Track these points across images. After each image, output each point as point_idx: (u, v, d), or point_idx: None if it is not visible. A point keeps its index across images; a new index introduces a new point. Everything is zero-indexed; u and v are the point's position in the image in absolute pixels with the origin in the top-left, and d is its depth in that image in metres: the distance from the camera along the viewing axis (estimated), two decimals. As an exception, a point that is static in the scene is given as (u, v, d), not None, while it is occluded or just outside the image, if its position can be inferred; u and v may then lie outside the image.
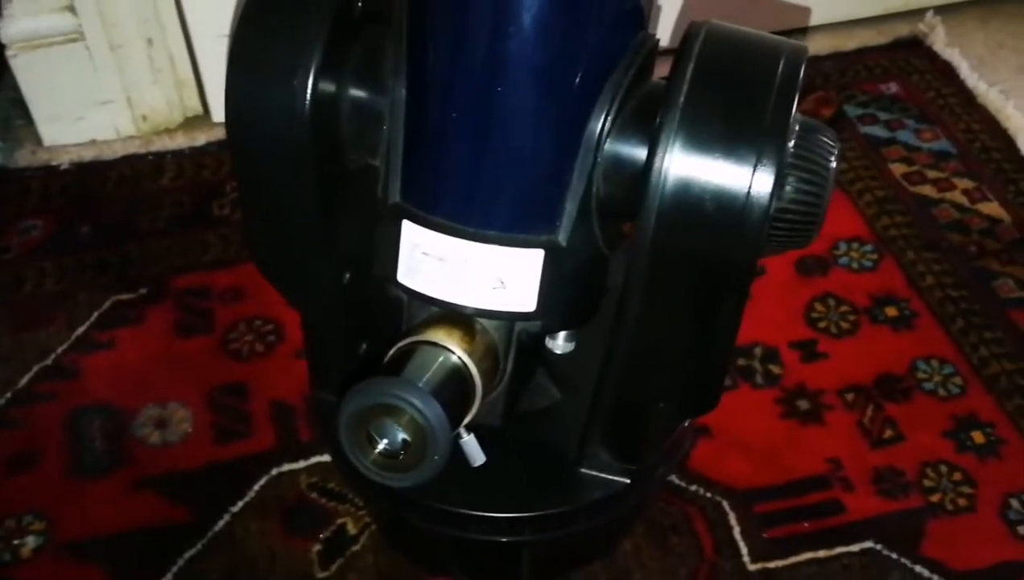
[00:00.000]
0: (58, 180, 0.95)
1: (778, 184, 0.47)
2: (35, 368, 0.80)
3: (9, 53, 0.92)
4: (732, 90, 0.48)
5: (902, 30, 1.10)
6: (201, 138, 0.99)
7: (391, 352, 0.50)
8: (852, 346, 0.81)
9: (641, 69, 0.51)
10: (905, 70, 1.05)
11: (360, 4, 0.53)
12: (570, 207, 0.50)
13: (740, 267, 0.48)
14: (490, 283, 0.51)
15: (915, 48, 1.08)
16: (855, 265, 0.87)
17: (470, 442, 0.52)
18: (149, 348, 0.81)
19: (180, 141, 0.99)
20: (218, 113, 1.00)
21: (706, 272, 0.49)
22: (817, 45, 1.09)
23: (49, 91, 0.95)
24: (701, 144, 0.46)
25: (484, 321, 0.52)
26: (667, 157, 0.46)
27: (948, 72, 1.05)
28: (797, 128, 0.49)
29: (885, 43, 1.09)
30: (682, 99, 0.47)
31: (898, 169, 0.95)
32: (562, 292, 0.52)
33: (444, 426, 0.45)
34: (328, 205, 0.54)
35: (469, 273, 0.50)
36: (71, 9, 0.91)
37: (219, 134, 0.99)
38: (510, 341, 0.53)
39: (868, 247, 0.88)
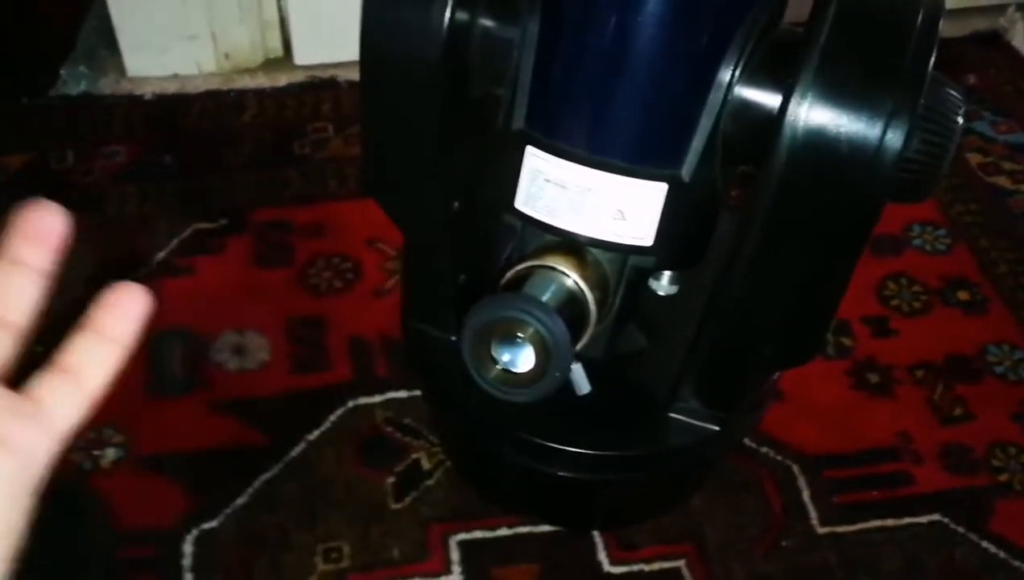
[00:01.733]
0: (141, 109, 0.96)
1: (909, 136, 0.47)
2: (116, 288, 0.81)
3: (102, -20, 0.94)
4: (872, 39, 0.48)
5: (981, 23, 1.11)
6: (282, 79, 1.00)
7: (508, 274, 0.51)
8: (923, 325, 0.81)
9: (773, 15, 0.51)
10: (983, 63, 1.06)
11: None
12: (696, 145, 0.51)
13: (865, 213, 0.49)
14: (610, 214, 0.51)
15: (994, 42, 1.08)
16: (928, 248, 0.87)
17: (578, 370, 0.53)
18: (228, 276, 0.82)
19: (261, 81, 1.00)
20: (300, 56, 1.01)
21: (828, 217, 0.49)
22: (894, 34, 1.09)
23: (138, 21, 0.96)
24: (838, 90, 0.47)
25: (598, 252, 0.53)
26: (803, 101, 0.47)
27: (1025, 68, 1.05)
28: (928, 82, 0.50)
29: (963, 36, 1.09)
30: (821, 44, 0.47)
31: (974, 159, 0.95)
32: (678, 229, 0.52)
33: (566, 341, 0.46)
34: (448, 132, 0.55)
35: (590, 202, 0.51)
36: (165, -60, 0.92)
37: (300, 77, 1.00)
38: (621, 275, 0.54)
39: (942, 231, 0.88)
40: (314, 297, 0.81)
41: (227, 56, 1.00)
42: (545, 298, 0.48)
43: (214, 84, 0.99)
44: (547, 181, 0.52)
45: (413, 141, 0.55)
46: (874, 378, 0.78)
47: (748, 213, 0.50)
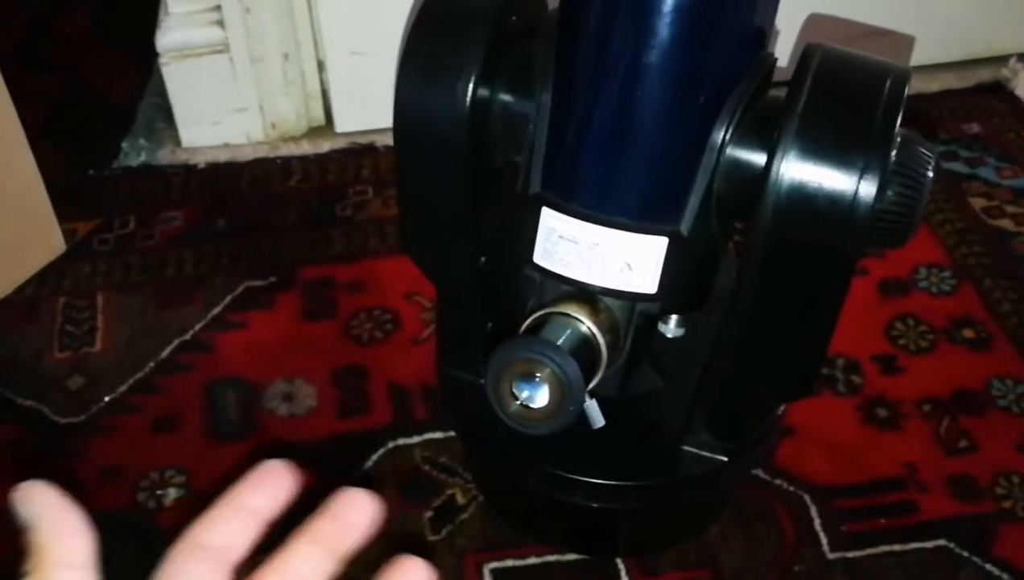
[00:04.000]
0: (196, 178, 1.04)
1: (881, 188, 0.53)
2: (175, 341, 0.88)
3: (162, 61, 1.02)
4: (844, 104, 0.54)
5: (983, 75, 1.16)
6: (325, 146, 1.07)
7: (528, 321, 0.57)
8: (930, 363, 0.86)
9: (761, 84, 0.58)
10: (987, 112, 1.11)
11: (514, 21, 0.60)
12: (693, 201, 0.57)
13: (845, 260, 0.54)
14: (618, 266, 0.57)
15: (997, 92, 1.14)
16: (934, 289, 0.92)
17: (592, 406, 0.58)
18: (278, 330, 0.89)
19: (305, 148, 1.07)
20: (341, 124, 1.08)
21: (813, 265, 0.55)
22: (902, 86, 1.15)
23: (192, 97, 1.05)
24: (816, 150, 0.53)
25: (609, 300, 0.59)
26: (785, 160, 0.53)
27: (1029, 116, 1.10)
28: (899, 140, 0.55)
29: (968, 86, 1.15)
30: (800, 109, 0.53)
31: (978, 203, 1.00)
32: (680, 277, 0.58)
33: (579, 379, 0.52)
34: (474, 196, 0.61)
35: (599, 256, 0.57)
36: (220, 24, 1.01)
37: (341, 143, 1.07)
38: (631, 320, 0.60)
39: (947, 273, 0.93)
40: (357, 347, 0.88)
41: (274, 126, 1.08)
42: (560, 341, 0.54)
43: (262, 152, 1.07)
44: (561, 238, 0.58)
45: (442, 204, 0.62)
46: (883, 413, 0.82)
47: (743, 261, 0.56)
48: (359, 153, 1.06)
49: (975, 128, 1.09)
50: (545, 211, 0.58)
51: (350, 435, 0.82)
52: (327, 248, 0.96)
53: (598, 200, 0.57)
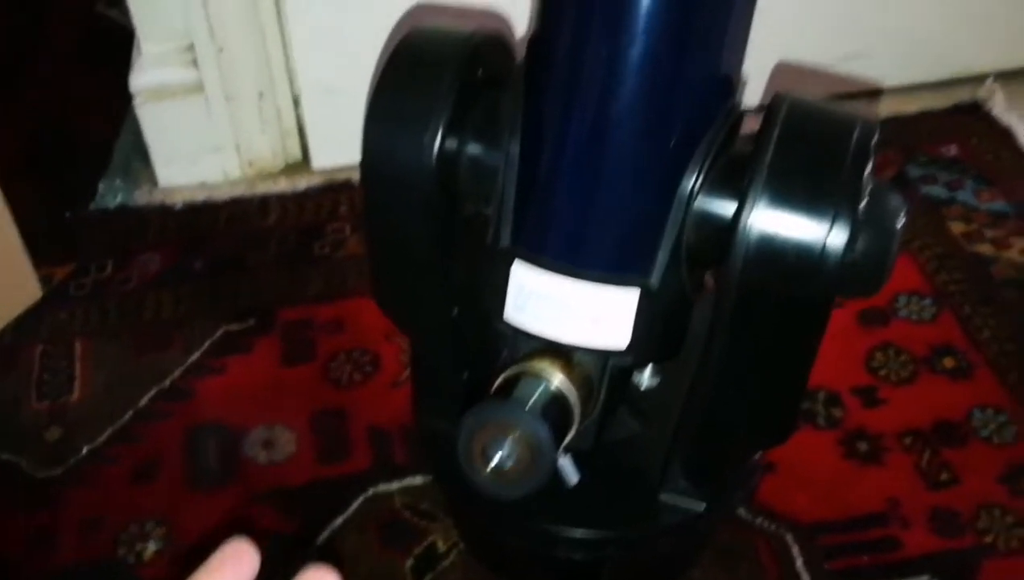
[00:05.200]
0: (173, 218, 1.03)
1: (851, 239, 0.53)
2: (154, 389, 0.87)
3: (136, 101, 1.02)
4: (812, 155, 0.54)
5: (962, 95, 1.16)
6: (302, 183, 1.07)
7: (499, 380, 0.57)
8: (911, 393, 0.86)
9: (729, 134, 0.57)
10: (965, 133, 1.11)
11: (481, 72, 0.60)
12: (662, 254, 0.56)
13: (815, 310, 0.54)
14: (589, 320, 0.57)
15: (974, 112, 1.14)
16: (914, 317, 0.92)
17: (567, 463, 0.58)
18: (257, 374, 0.89)
19: (283, 185, 1.07)
20: (318, 160, 1.08)
21: (784, 314, 0.55)
22: (882, 107, 1.15)
23: (168, 137, 1.04)
24: (784, 201, 0.53)
25: (581, 353, 0.59)
26: (754, 211, 0.52)
27: (1006, 136, 1.10)
28: (869, 190, 0.55)
29: (945, 107, 1.15)
30: (768, 161, 0.53)
31: (957, 228, 1.00)
32: (652, 330, 0.58)
33: (550, 443, 0.51)
34: (444, 247, 0.61)
35: (570, 310, 0.57)
36: (194, 63, 1.00)
37: (318, 180, 1.07)
38: (604, 373, 0.59)
39: (927, 301, 0.93)
40: (336, 389, 0.87)
41: (251, 164, 1.08)
42: (531, 402, 0.54)
43: (239, 190, 1.07)
44: (531, 293, 0.58)
45: (412, 256, 0.62)
46: (864, 447, 0.82)
47: (715, 311, 0.56)
48: (336, 190, 1.06)
49: (953, 150, 1.09)
50: (515, 266, 0.58)
51: (330, 481, 0.81)
52: (305, 288, 0.96)
53: (568, 254, 0.57)
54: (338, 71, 1.01)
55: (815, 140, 0.55)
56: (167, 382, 0.88)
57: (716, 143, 0.57)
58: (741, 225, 0.53)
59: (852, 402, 0.85)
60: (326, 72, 1.02)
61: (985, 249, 0.98)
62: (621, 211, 0.57)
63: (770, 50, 1.07)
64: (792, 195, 0.53)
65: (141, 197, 1.06)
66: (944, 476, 0.80)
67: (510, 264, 0.58)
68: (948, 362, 0.88)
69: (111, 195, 1.06)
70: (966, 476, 0.80)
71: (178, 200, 1.05)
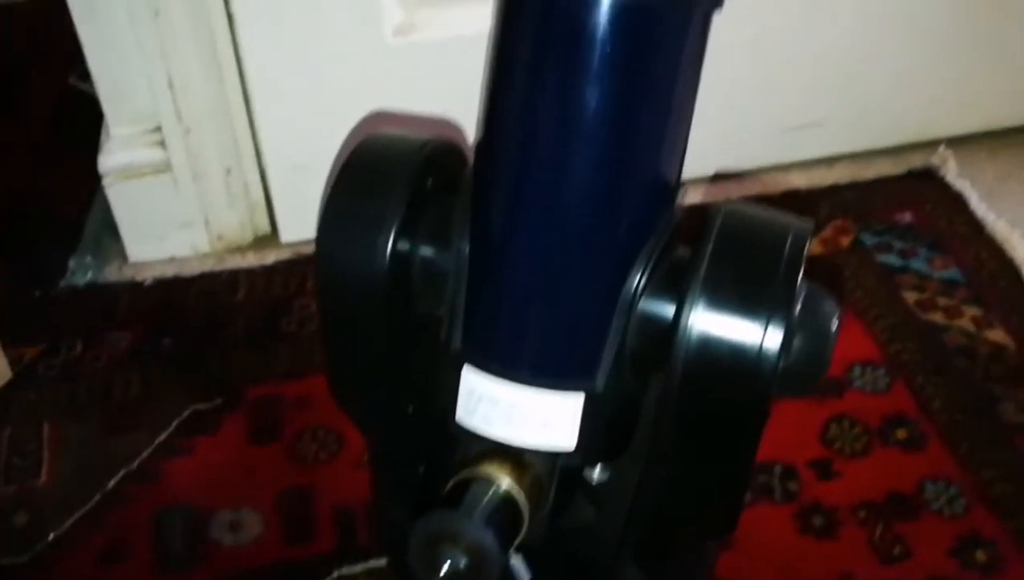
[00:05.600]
0: (143, 295, 1.05)
1: (786, 342, 0.55)
2: (122, 471, 0.88)
3: (105, 181, 1.03)
4: (746, 263, 0.56)
5: (916, 160, 1.19)
6: (271, 256, 1.09)
7: (450, 484, 0.58)
8: (865, 466, 0.88)
9: (670, 240, 0.60)
10: (919, 199, 1.14)
11: (433, 178, 0.62)
12: (607, 358, 0.58)
13: (753, 411, 0.56)
14: (537, 423, 0.59)
15: (928, 178, 1.17)
16: (868, 388, 0.94)
17: (517, 562, 0.60)
18: (224, 454, 0.90)
19: (251, 260, 1.09)
20: (286, 234, 1.10)
21: (725, 413, 0.57)
22: (838, 174, 1.18)
23: (137, 215, 1.06)
24: (720, 308, 0.55)
25: (531, 454, 0.60)
26: (692, 314, 0.54)
27: (959, 202, 1.13)
28: (804, 295, 0.57)
29: (900, 173, 1.18)
30: (705, 264, 0.55)
31: (911, 296, 1.02)
32: (598, 431, 0.60)
33: (497, 550, 0.53)
34: (398, 346, 0.63)
35: (518, 414, 0.59)
36: (162, 144, 1.02)
37: (287, 254, 1.09)
38: (553, 472, 0.61)
39: (881, 371, 0.95)
40: (302, 468, 0.89)
41: (220, 237, 1.10)
42: (480, 508, 0.55)
43: (209, 264, 1.08)
44: (481, 396, 0.59)
45: (367, 355, 0.64)
46: (819, 521, 0.84)
47: (658, 411, 0.58)
48: (304, 263, 1.07)
49: (908, 217, 1.12)
50: (465, 370, 0.60)
51: (296, 563, 0.82)
52: (273, 365, 0.97)
53: (516, 359, 0.59)
54: (304, 149, 1.03)
55: (750, 246, 0.57)
56: (135, 464, 0.89)
57: (658, 248, 0.59)
58: (681, 329, 0.54)
59: (808, 475, 0.87)
60: (292, 150, 1.04)
61: (937, 318, 1.00)
62: (566, 317, 0.59)
63: (724, 121, 1.10)
64: (728, 300, 0.55)
65: (111, 273, 1.08)
66: (897, 550, 0.82)
67: (460, 367, 0.60)
68: (901, 433, 0.90)
69: (81, 272, 1.07)
70: (918, 549, 0.82)
71: (148, 276, 1.07)
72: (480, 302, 0.60)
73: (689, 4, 0.55)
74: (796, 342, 0.56)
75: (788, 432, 0.90)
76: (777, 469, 0.87)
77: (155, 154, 1.03)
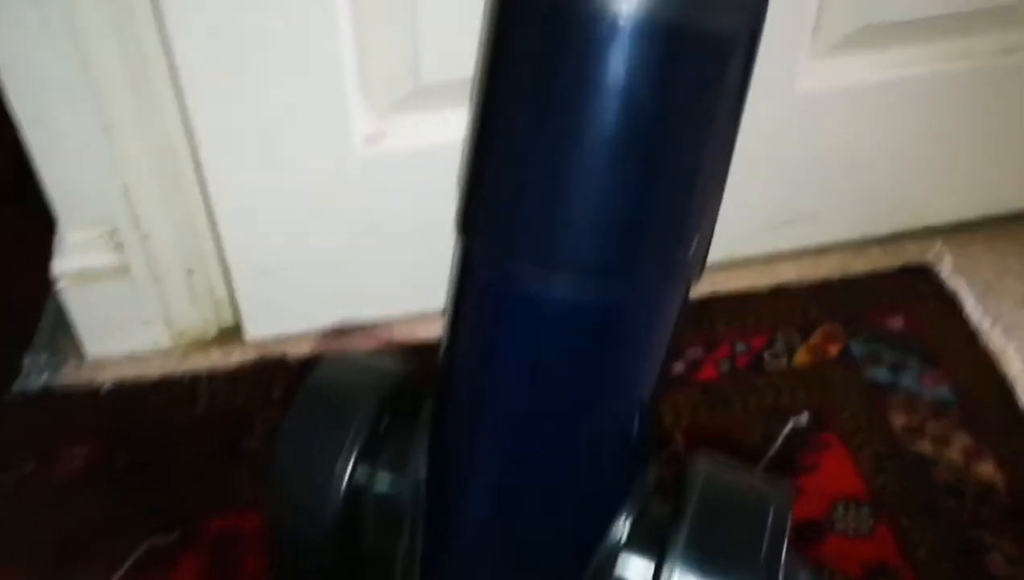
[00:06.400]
0: (100, 404, 1.00)
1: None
2: (74, 619, 0.85)
3: (60, 285, 0.98)
4: (727, 544, 0.53)
5: (911, 252, 1.14)
6: (235, 354, 1.04)
7: None
8: (844, 624, 0.85)
9: (644, 504, 0.56)
10: (912, 300, 1.09)
11: (391, 413, 0.58)
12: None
13: None
14: None
15: (923, 275, 1.12)
16: (851, 531, 0.91)
17: None
18: (180, 599, 0.87)
19: (215, 358, 1.04)
20: (251, 331, 1.05)
21: None
22: (827, 265, 1.14)
23: (94, 316, 1.01)
24: None
25: None
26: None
27: (954, 305, 1.09)
28: (785, 568, 0.54)
29: (894, 267, 1.13)
30: (681, 548, 0.52)
31: (899, 420, 0.99)
32: None
33: None
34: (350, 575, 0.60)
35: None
36: (119, 248, 0.97)
37: (251, 354, 1.04)
38: None
39: (865, 509, 0.92)
40: (261, 616, 0.86)
41: (182, 334, 1.05)
42: None
43: (171, 362, 1.04)
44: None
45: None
46: None
47: None
48: (270, 368, 1.03)
49: (900, 322, 1.07)
50: (420, 631, 0.56)
51: None
52: (233, 493, 0.93)
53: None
54: (270, 255, 0.98)
55: (730, 524, 0.53)
56: (88, 610, 0.86)
57: (633, 511, 0.55)
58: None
59: (784, 635, 0.84)
60: (258, 255, 0.99)
61: (925, 448, 0.97)
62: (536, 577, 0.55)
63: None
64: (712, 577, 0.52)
65: (68, 374, 1.03)
66: None
67: (415, 627, 0.57)
68: (883, 586, 0.87)
69: (36, 373, 1.02)
70: None
71: (107, 377, 1.02)
72: (438, 543, 0.57)
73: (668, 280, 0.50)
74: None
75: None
76: (753, 630, 0.84)
77: (112, 258, 0.97)
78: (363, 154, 0.93)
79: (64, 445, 0.97)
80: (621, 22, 0.41)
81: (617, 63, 0.41)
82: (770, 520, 0.54)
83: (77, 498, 0.93)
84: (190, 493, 0.93)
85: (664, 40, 0.41)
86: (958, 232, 1.16)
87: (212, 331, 1.06)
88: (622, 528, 0.55)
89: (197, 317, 1.04)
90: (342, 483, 0.57)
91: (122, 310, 1.01)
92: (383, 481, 0.58)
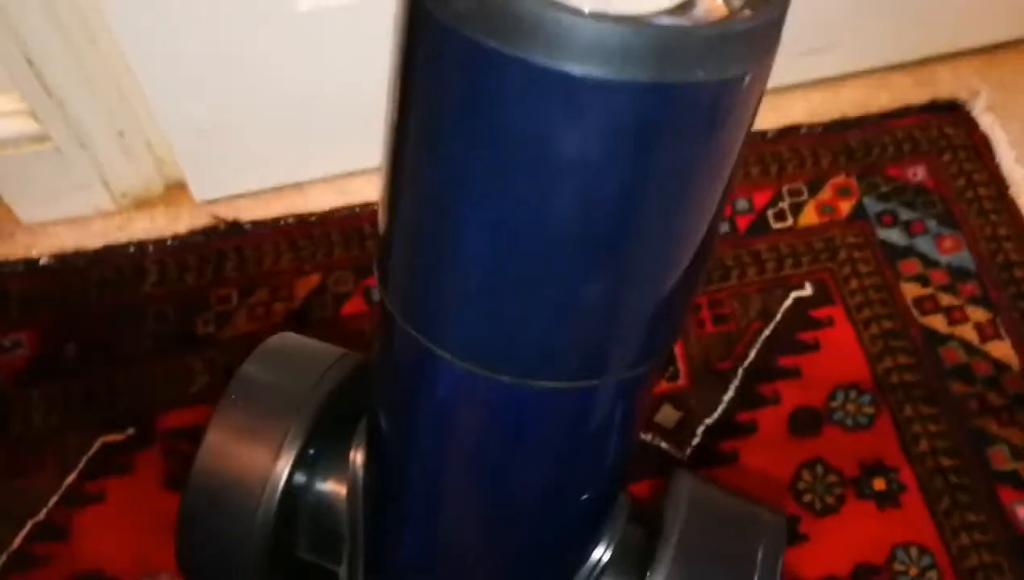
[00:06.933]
0: (40, 280, 0.92)
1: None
2: (28, 524, 0.81)
3: (-25, 157, 0.87)
4: (716, 556, 0.47)
5: (942, 87, 1.01)
6: (184, 219, 0.95)
7: None
8: (834, 526, 0.81)
9: (624, 532, 0.49)
10: (937, 147, 0.98)
11: (333, 416, 0.51)
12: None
13: None
14: None
15: (952, 112, 0.99)
16: (849, 422, 0.85)
17: None
18: (139, 502, 0.82)
19: (161, 223, 0.95)
20: (198, 192, 0.95)
21: None
22: (847, 97, 1.01)
23: (22, 183, 0.91)
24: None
25: None
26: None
27: (984, 150, 0.97)
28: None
29: (920, 103, 1.00)
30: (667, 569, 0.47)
31: (910, 291, 0.90)
32: None
33: None
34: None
35: None
36: (33, 116, 0.85)
37: (202, 217, 0.95)
38: None
39: (866, 397, 0.86)
40: (225, 520, 0.82)
41: (124, 195, 0.95)
42: None
43: (113, 227, 0.94)
44: None
45: None
46: (778, 598, 0.78)
47: None
48: (222, 237, 0.93)
49: (920, 173, 0.96)
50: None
51: (220, 642, 0.78)
52: (188, 383, 0.87)
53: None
54: (208, 115, 0.86)
55: (718, 552, 0.47)
56: (42, 514, 0.82)
57: (611, 541, 0.49)
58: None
59: (771, 539, 0.81)
60: (196, 115, 0.86)
61: (938, 322, 0.89)
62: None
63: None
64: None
65: (3, 244, 0.94)
66: (856, 638, 0.77)
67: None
68: (878, 484, 0.82)
69: (-33, 245, 0.94)
70: (879, 636, 0.77)
71: (45, 247, 0.93)
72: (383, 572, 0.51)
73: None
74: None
75: (757, 481, 0.82)
76: (738, 535, 0.81)
77: (29, 125, 0.86)
78: (303, 11, 0.79)
79: (5, 331, 0.90)
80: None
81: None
82: (759, 557, 0.47)
83: (24, 396, 0.87)
84: (143, 385, 0.87)
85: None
86: (995, 56, 1.02)
87: (158, 189, 0.96)
88: (603, 552, 0.49)
89: (137, 176, 0.94)
90: (278, 488, 0.50)
91: (52, 176, 0.90)
92: (322, 487, 0.52)
